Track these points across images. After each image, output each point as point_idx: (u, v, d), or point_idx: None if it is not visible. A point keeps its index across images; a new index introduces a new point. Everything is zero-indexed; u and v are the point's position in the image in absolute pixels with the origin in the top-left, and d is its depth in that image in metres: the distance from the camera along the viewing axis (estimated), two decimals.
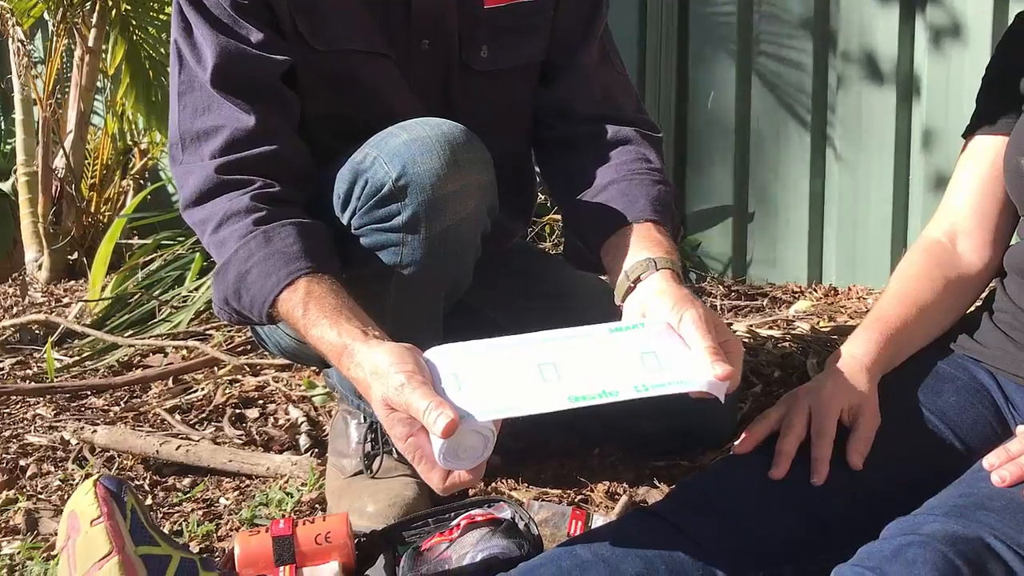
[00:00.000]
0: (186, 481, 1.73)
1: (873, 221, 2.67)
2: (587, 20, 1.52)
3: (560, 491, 1.56)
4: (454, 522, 1.25)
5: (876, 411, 1.19)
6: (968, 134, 1.41)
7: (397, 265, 1.32)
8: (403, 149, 1.28)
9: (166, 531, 1.53)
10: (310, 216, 1.32)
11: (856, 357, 1.25)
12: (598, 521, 1.31)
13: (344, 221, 1.34)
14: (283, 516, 1.54)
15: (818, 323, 2.27)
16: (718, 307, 2.54)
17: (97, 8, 3.07)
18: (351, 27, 1.39)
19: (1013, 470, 1.04)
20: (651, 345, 1.09)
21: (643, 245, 1.29)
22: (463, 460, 1.03)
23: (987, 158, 1.36)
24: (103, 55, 3.24)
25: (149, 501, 1.66)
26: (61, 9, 3.10)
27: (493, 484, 1.59)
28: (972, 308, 1.39)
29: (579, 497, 1.55)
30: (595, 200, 1.40)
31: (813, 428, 1.18)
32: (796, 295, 2.69)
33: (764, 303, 2.57)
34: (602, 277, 1.44)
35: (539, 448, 1.68)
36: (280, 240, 1.25)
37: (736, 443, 1.20)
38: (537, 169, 1.66)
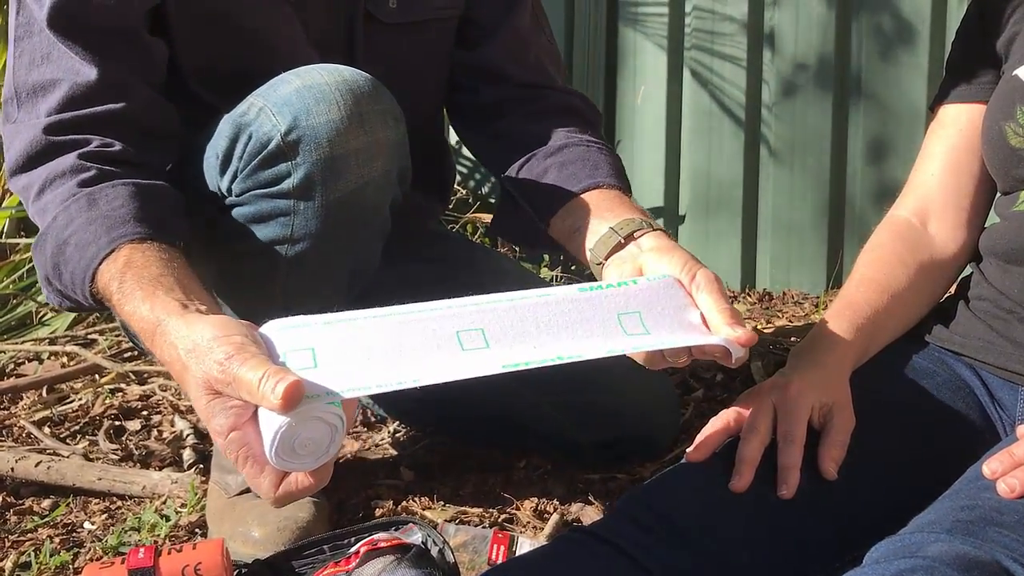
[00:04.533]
0: (46, 503, 1.53)
1: (808, 224, 2.58)
2: None
3: (481, 510, 1.40)
4: (353, 549, 1.05)
5: (850, 411, 1.04)
6: (938, 103, 1.27)
7: (287, 239, 1.13)
8: (295, 97, 1.08)
9: (11, 563, 1.30)
10: (180, 185, 1.13)
11: (824, 350, 1.09)
12: (524, 545, 1.16)
13: (224, 187, 1.14)
14: (154, 542, 1.32)
15: (757, 325, 2.14)
16: None
17: None
18: None
19: (1023, 478, 0.88)
20: (635, 305, 0.96)
21: (624, 208, 1.17)
22: (302, 458, 0.83)
23: (960, 128, 1.23)
24: None
25: None
26: None
27: (404, 503, 1.41)
28: (945, 296, 1.24)
29: (503, 516, 1.39)
30: (547, 163, 1.27)
31: (779, 431, 1.02)
32: (729, 299, 2.57)
33: None
34: (519, 255, 1.28)
35: (456, 461, 1.53)
36: (106, 203, 1.04)
37: (689, 449, 1.03)
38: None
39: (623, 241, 1.12)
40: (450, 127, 1.71)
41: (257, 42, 1.22)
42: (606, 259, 1.12)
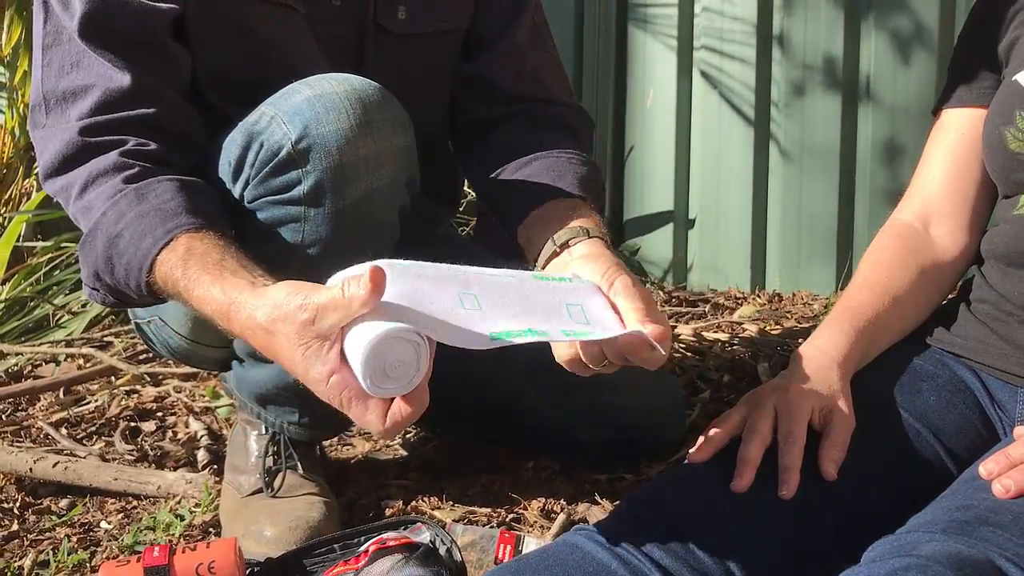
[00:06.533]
0: (64, 503, 1.55)
1: (818, 225, 2.58)
2: None
3: (489, 509, 1.41)
4: (362, 548, 1.07)
5: (850, 413, 1.05)
6: (940, 107, 1.28)
7: (298, 244, 1.16)
8: (305, 106, 1.11)
9: (30, 561, 1.33)
10: None
11: (826, 352, 1.10)
12: (531, 544, 1.17)
13: (236, 194, 1.17)
14: (169, 541, 1.35)
15: (766, 327, 2.15)
16: None
17: None
18: None
19: (1018, 478, 0.90)
20: (576, 299, 1.00)
21: (573, 217, 1.19)
22: (395, 381, 0.86)
23: (962, 132, 1.24)
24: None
25: (16, 527, 1.45)
26: None
27: (413, 503, 1.43)
28: (947, 299, 1.25)
29: (510, 516, 1.40)
30: (516, 176, 1.29)
31: (780, 432, 1.03)
32: (739, 301, 2.59)
33: (706, 309, 2.46)
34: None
35: (465, 461, 1.54)
36: (156, 196, 1.07)
37: (691, 450, 1.05)
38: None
39: (558, 250, 1.15)
40: None
41: (269, 51, 1.24)
42: (543, 268, 1.16)
